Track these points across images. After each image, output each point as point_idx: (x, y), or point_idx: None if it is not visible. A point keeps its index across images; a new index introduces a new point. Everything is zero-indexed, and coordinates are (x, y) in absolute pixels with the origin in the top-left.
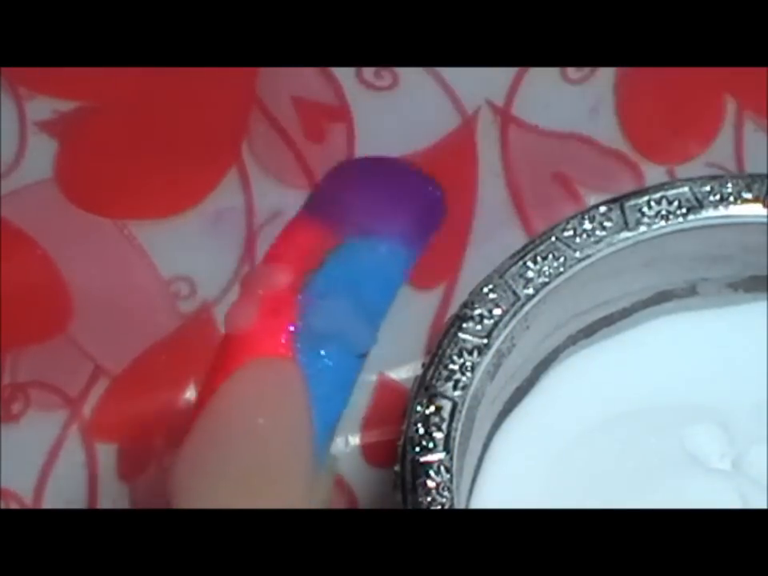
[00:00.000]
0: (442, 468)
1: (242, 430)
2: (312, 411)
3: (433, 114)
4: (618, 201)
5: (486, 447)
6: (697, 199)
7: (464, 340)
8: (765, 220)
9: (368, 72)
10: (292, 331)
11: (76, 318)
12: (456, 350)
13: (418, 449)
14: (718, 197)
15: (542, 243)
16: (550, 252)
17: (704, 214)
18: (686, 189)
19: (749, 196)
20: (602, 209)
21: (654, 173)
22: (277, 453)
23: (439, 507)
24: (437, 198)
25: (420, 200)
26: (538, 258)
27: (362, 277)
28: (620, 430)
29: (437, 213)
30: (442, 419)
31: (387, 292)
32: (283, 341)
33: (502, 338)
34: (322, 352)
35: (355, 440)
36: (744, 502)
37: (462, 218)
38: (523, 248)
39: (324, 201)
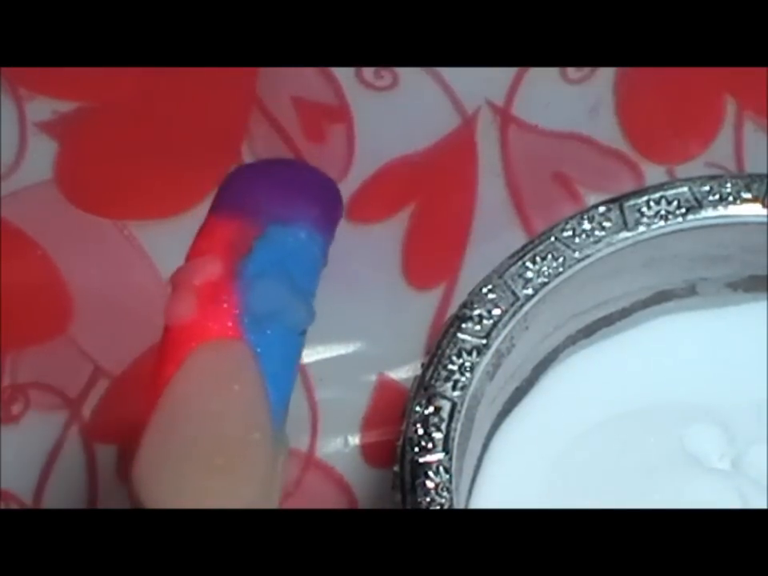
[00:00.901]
0: (441, 468)
1: (201, 414)
2: (267, 389)
3: (433, 113)
4: (618, 201)
5: (485, 447)
6: (696, 199)
7: (463, 340)
8: (764, 220)
9: (368, 72)
10: (236, 314)
11: (76, 318)
12: (455, 351)
13: (417, 449)
14: (717, 197)
15: (541, 243)
16: (550, 252)
17: (703, 213)
18: (685, 189)
19: (748, 196)
20: (602, 209)
21: (653, 173)
22: (239, 432)
23: (438, 507)
24: (335, 190)
25: (322, 192)
26: (537, 259)
27: (290, 260)
28: (620, 430)
29: (338, 203)
30: (441, 420)
31: (313, 273)
32: (230, 324)
33: (501, 338)
34: (268, 331)
35: (355, 440)
36: (744, 502)
37: (462, 218)
38: (522, 248)
39: (234, 198)
